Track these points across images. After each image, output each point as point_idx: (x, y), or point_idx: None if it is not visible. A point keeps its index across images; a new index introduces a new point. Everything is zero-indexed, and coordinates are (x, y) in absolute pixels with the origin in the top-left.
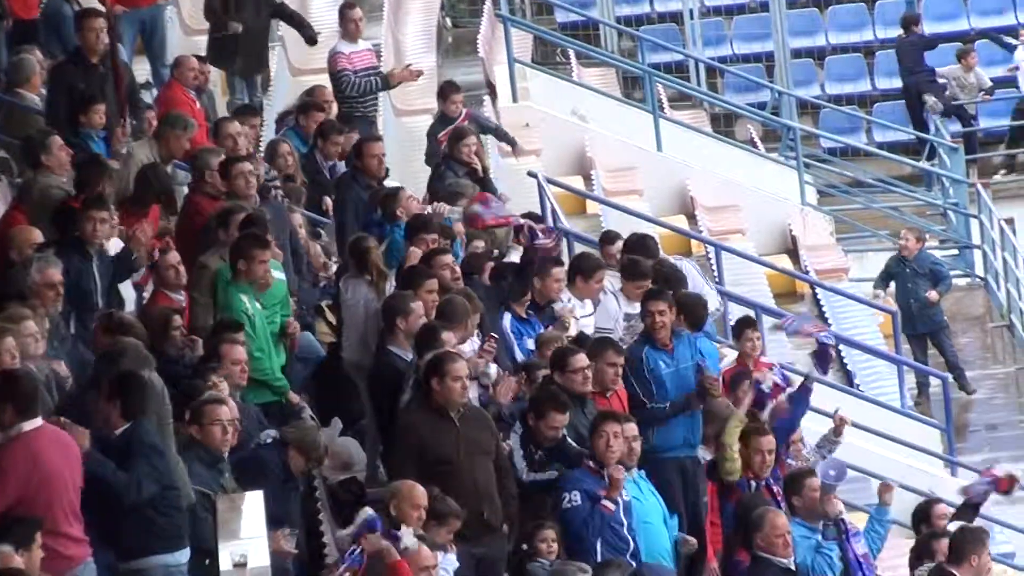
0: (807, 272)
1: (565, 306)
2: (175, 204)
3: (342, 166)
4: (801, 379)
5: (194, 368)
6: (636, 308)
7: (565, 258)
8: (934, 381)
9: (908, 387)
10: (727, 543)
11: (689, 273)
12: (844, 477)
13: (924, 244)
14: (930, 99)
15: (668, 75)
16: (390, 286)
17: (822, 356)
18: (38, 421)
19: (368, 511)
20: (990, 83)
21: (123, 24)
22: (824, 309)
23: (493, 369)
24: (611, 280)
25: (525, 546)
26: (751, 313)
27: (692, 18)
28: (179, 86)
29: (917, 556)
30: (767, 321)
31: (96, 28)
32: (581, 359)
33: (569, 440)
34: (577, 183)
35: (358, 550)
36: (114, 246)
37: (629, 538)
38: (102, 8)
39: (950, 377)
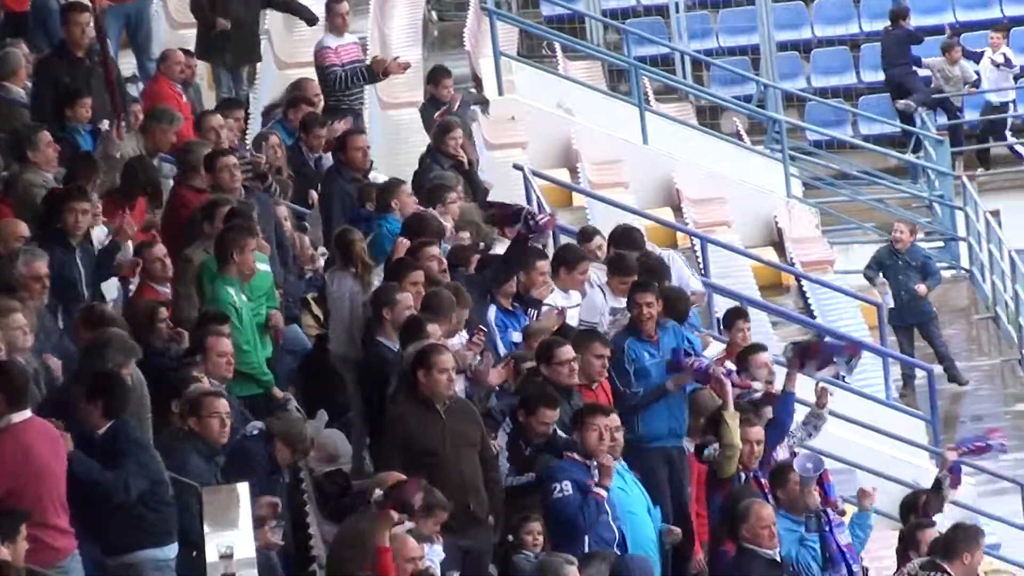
0: (793, 264)
1: (552, 309)
2: (161, 197)
3: (329, 159)
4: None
5: (179, 360)
6: (621, 303)
7: (550, 251)
8: (920, 373)
9: (893, 379)
10: (713, 534)
11: (675, 264)
12: (821, 468)
13: (916, 237)
14: (901, 103)
15: (654, 68)
16: (379, 278)
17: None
18: (27, 413)
19: None
20: (975, 76)
21: (108, 18)
22: (809, 301)
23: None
24: (597, 273)
25: (511, 538)
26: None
27: (678, 11)
28: (165, 80)
29: (904, 547)
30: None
31: (81, 22)
32: (567, 351)
33: (560, 433)
34: (563, 176)
35: None
36: (99, 237)
37: (615, 528)
38: (87, 2)
39: (938, 368)
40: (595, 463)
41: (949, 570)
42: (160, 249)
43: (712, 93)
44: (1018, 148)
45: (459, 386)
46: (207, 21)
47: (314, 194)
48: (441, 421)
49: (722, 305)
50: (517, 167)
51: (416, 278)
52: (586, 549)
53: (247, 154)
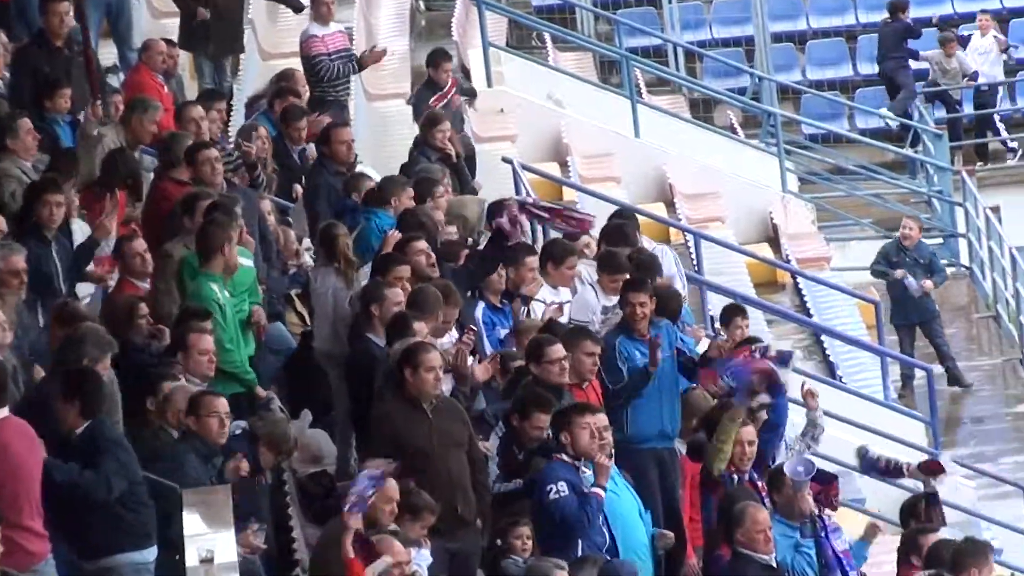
0: (788, 261)
1: (551, 305)
2: (141, 190)
3: (313, 151)
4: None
5: (160, 358)
6: (613, 301)
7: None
8: (919, 373)
9: (892, 379)
10: (709, 538)
11: (665, 260)
12: (813, 472)
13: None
14: (882, 111)
15: (646, 60)
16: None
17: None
18: (5, 411)
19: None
20: (973, 68)
21: (89, 6)
22: (806, 299)
23: (470, 361)
24: (589, 271)
25: (499, 542)
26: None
27: (670, 1)
28: (147, 70)
29: (906, 552)
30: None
31: (60, 11)
32: (558, 350)
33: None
34: (553, 170)
35: (371, 491)
36: (80, 231)
37: (606, 532)
38: None
39: (938, 369)
40: (583, 463)
41: None
42: (140, 244)
43: (705, 85)
44: (1010, 144)
45: (448, 386)
46: (189, 10)
47: (298, 188)
48: (428, 420)
49: (716, 303)
50: (506, 160)
51: (402, 273)
52: (579, 553)
53: (229, 147)
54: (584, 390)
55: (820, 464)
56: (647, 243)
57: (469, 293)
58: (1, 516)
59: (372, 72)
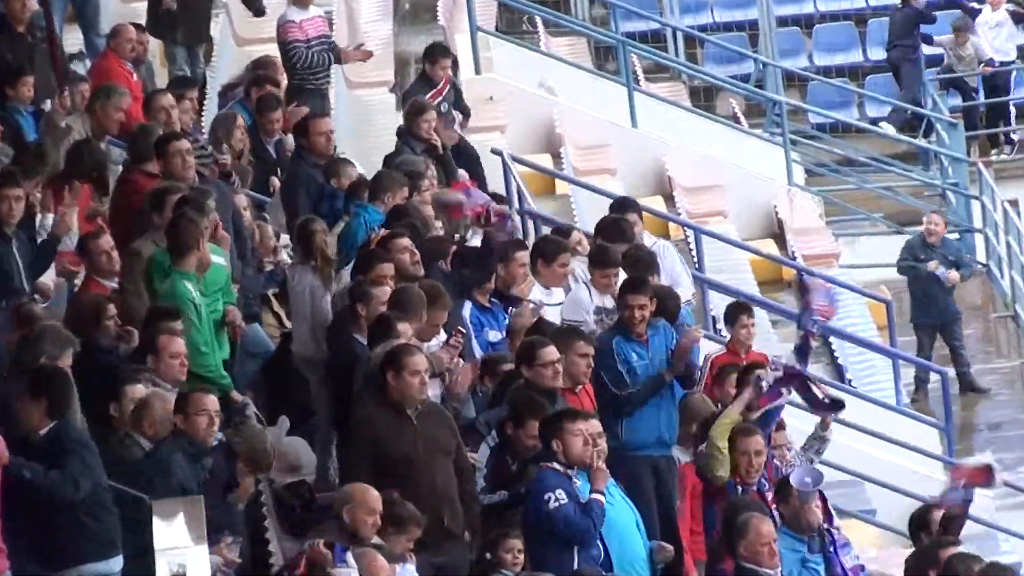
0: (794, 258)
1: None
2: (107, 183)
3: (290, 142)
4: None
5: (128, 361)
6: (608, 301)
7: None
8: (934, 376)
9: (904, 383)
10: (712, 551)
11: (668, 256)
12: (820, 483)
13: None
14: (882, 123)
15: (643, 45)
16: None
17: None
18: None
19: None
20: (989, 55)
21: None
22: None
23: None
24: (583, 269)
25: (489, 556)
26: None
27: None
28: (115, 57)
29: (923, 567)
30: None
31: None
32: (551, 352)
33: None
34: (545, 161)
35: None
36: (47, 227)
37: (600, 545)
38: None
39: (950, 372)
40: (575, 473)
41: None
42: (107, 241)
43: (707, 72)
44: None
45: (436, 391)
46: None
47: (275, 181)
48: (413, 427)
49: (718, 303)
50: (495, 152)
51: (385, 271)
52: (574, 567)
53: (203, 138)
54: (577, 394)
55: (824, 471)
56: (648, 239)
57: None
58: None
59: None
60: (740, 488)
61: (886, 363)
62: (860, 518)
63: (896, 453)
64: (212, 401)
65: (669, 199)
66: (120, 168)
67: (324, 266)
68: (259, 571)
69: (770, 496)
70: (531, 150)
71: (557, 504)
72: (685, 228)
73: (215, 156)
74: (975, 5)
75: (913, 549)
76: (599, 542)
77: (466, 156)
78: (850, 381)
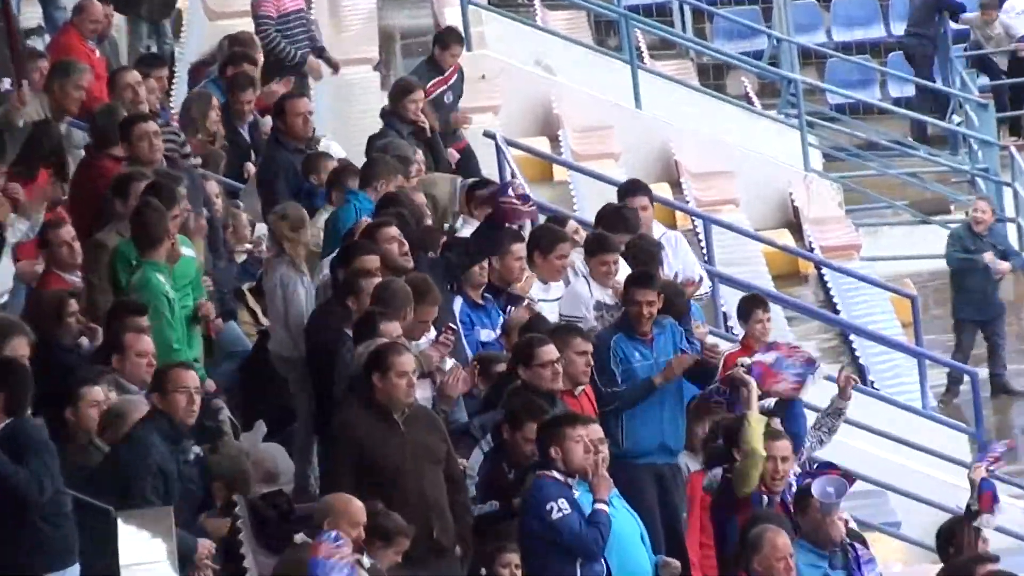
0: (812, 250)
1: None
2: (67, 169)
3: (267, 124)
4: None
5: (92, 359)
6: (609, 296)
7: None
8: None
9: (931, 384)
10: (725, 566)
11: (680, 248)
12: (845, 493)
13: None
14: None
15: (648, 19)
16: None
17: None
18: None
19: None
20: (1021, 33)
21: None
22: (832, 293)
23: (449, 364)
24: (582, 262)
25: (484, 572)
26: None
27: None
28: (75, 32)
29: None
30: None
31: None
32: (550, 351)
33: None
34: (542, 145)
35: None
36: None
37: (602, 560)
38: None
39: (981, 373)
40: (576, 482)
41: None
42: (67, 231)
43: (716, 49)
44: None
45: (426, 393)
46: None
47: (250, 167)
48: (400, 432)
49: (729, 298)
50: (488, 135)
51: (370, 264)
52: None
53: (174, 125)
54: (577, 398)
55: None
56: (658, 228)
57: (448, 287)
58: None
59: (336, 35)
60: (766, 498)
61: (911, 363)
62: (884, 531)
63: (922, 461)
64: (192, 377)
65: (676, 186)
66: (82, 152)
67: (293, 254)
68: None
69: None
70: (526, 133)
71: (561, 514)
72: (693, 217)
73: (187, 139)
74: None
75: (941, 565)
76: (601, 556)
77: (467, 161)
78: (872, 383)
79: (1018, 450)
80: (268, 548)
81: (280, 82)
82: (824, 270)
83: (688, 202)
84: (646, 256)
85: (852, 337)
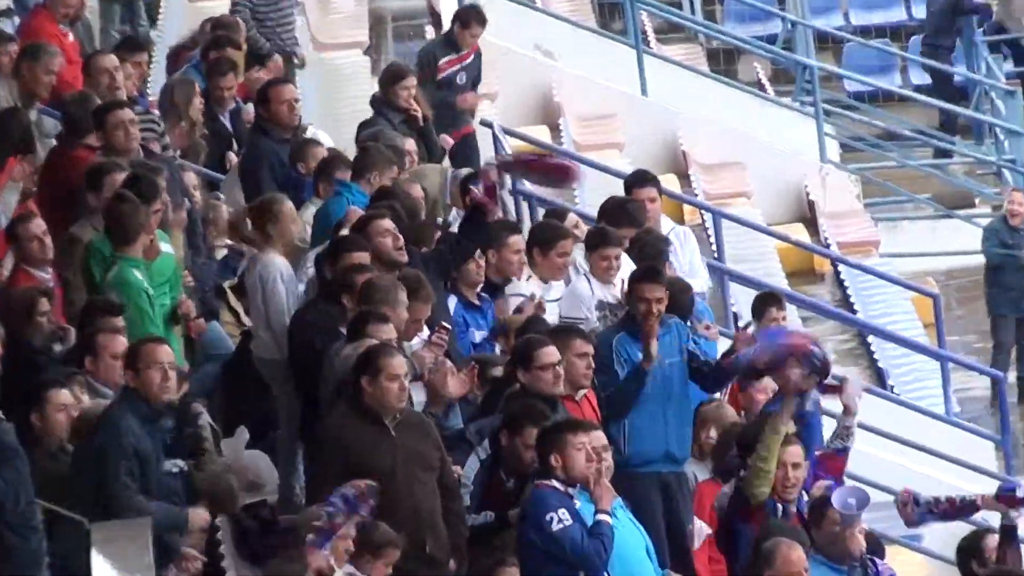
0: (828, 246)
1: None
2: (35, 157)
3: (250, 111)
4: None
5: (64, 361)
6: (609, 293)
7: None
8: (1011, 376)
9: (954, 388)
10: None
11: (688, 245)
12: (867, 506)
13: None
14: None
15: (654, 1)
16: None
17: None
18: None
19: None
20: None
21: None
22: (848, 291)
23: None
24: (583, 259)
25: None
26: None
27: None
28: (47, 14)
29: None
30: None
31: None
32: (551, 353)
33: None
34: (542, 134)
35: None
36: None
37: (606, 575)
38: None
39: (1009, 378)
40: (577, 491)
41: None
42: (38, 225)
43: (727, 32)
44: None
45: (420, 397)
46: None
47: (232, 156)
48: (391, 439)
49: (740, 296)
50: (485, 123)
51: (359, 259)
52: None
53: (154, 113)
54: (578, 403)
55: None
56: (666, 223)
57: (443, 285)
58: None
59: (323, 17)
60: (781, 507)
61: (933, 366)
62: (904, 545)
63: (945, 470)
64: (166, 352)
65: (684, 178)
66: (53, 141)
67: (262, 242)
68: None
69: None
70: (526, 122)
71: (562, 526)
72: (702, 211)
73: (169, 128)
74: None
75: None
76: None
77: (467, 150)
78: (892, 387)
79: None
80: (251, 561)
81: (263, 69)
82: (841, 267)
83: (696, 195)
84: (652, 252)
85: (870, 338)
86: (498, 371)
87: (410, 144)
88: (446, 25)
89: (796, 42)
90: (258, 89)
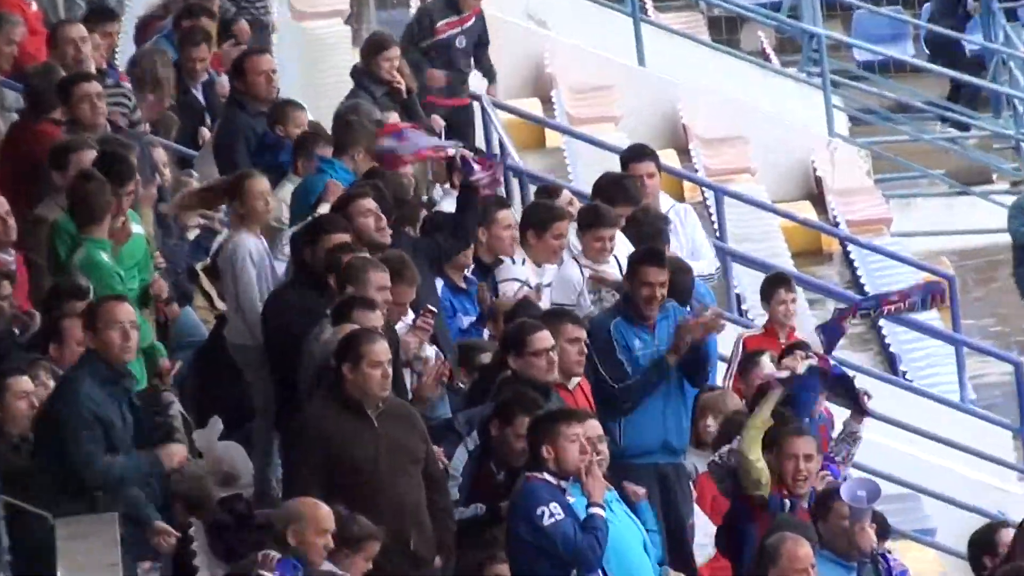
0: (837, 224)
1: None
2: None
3: (225, 84)
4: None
5: (28, 348)
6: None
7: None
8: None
9: (970, 375)
10: None
11: (689, 222)
12: (877, 498)
13: None
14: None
15: None
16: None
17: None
18: None
19: None
20: None
21: None
22: (859, 272)
23: (430, 352)
24: (574, 240)
25: None
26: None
27: None
28: None
29: None
30: None
31: None
32: (544, 338)
33: None
34: (533, 107)
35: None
36: None
37: (598, 571)
38: None
39: None
40: (570, 484)
41: None
42: (0, 204)
43: None
44: None
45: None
46: None
47: (205, 131)
48: (373, 429)
49: (743, 278)
50: (473, 96)
51: (339, 240)
52: None
53: (126, 85)
54: (571, 392)
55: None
56: (665, 201)
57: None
58: None
59: None
60: (788, 503)
61: (948, 351)
62: (917, 540)
63: (960, 460)
64: (126, 311)
65: (684, 153)
66: (15, 115)
67: (236, 220)
68: None
69: None
70: (517, 94)
71: (554, 520)
72: (703, 188)
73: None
74: None
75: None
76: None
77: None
78: (904, 373)
79: None
80: (225, 559)
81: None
82: (850, 247)
83: (697, 171)
84: (651, 231)
85: (881, 322)
86: (486, 357)
87: (393, 117)
88: None
89: (802, 9)
90: (233, 60)
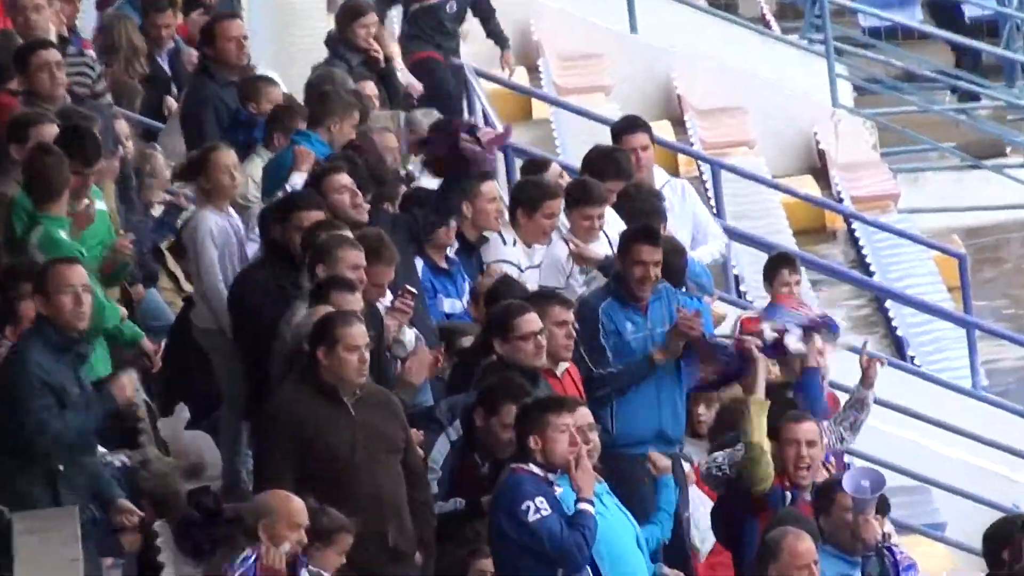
0: (841, 200)
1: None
2: None
3: (192, 53)
4: None
5: None
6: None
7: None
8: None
9: (983, 360)
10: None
11: (689, 198)
12: (882, 489)
13: None
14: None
15: None
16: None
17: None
18: None
19: None
20: None
21: None
22: (864, 251)
23: (410, 335)
24: (563, 219)
25: None
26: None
27: None
28: None
29: None
30: None
31: None
32: (532, 320)
33: None
34: (519, 77)
35: (252, 558)
36: None
37: (588, 568)
38: None
39: None
40: (557, 477)
41: None
42: None
43: None
44: None
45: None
46: None
47: (171, 101)
48: (349, 417)
49: (742, 257)
50: (455, 65)
51: (311, 219)
52: None
53: (90, 54)
54: (560, 378)
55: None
56: (660, 175)
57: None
58: None
59: None
60: (789, 494)
61: (959, 334)
62: (926, 534)
63: (972, 450)
64: (78, 274)
65: (679, 124)
66: None
67: (200, 199)
68: None
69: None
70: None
71: (539, 515)
72: (699, 161)
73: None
74: None
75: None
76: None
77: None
78: (912, 358)
79: None
80: (193, 555)
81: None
82: (855, 224)
83: (693, 144)
84: (645, 208)
85: (888, 303)
86: (467, 341)
87: (370, 87)
88: None
89: None
90: (202, 26)
